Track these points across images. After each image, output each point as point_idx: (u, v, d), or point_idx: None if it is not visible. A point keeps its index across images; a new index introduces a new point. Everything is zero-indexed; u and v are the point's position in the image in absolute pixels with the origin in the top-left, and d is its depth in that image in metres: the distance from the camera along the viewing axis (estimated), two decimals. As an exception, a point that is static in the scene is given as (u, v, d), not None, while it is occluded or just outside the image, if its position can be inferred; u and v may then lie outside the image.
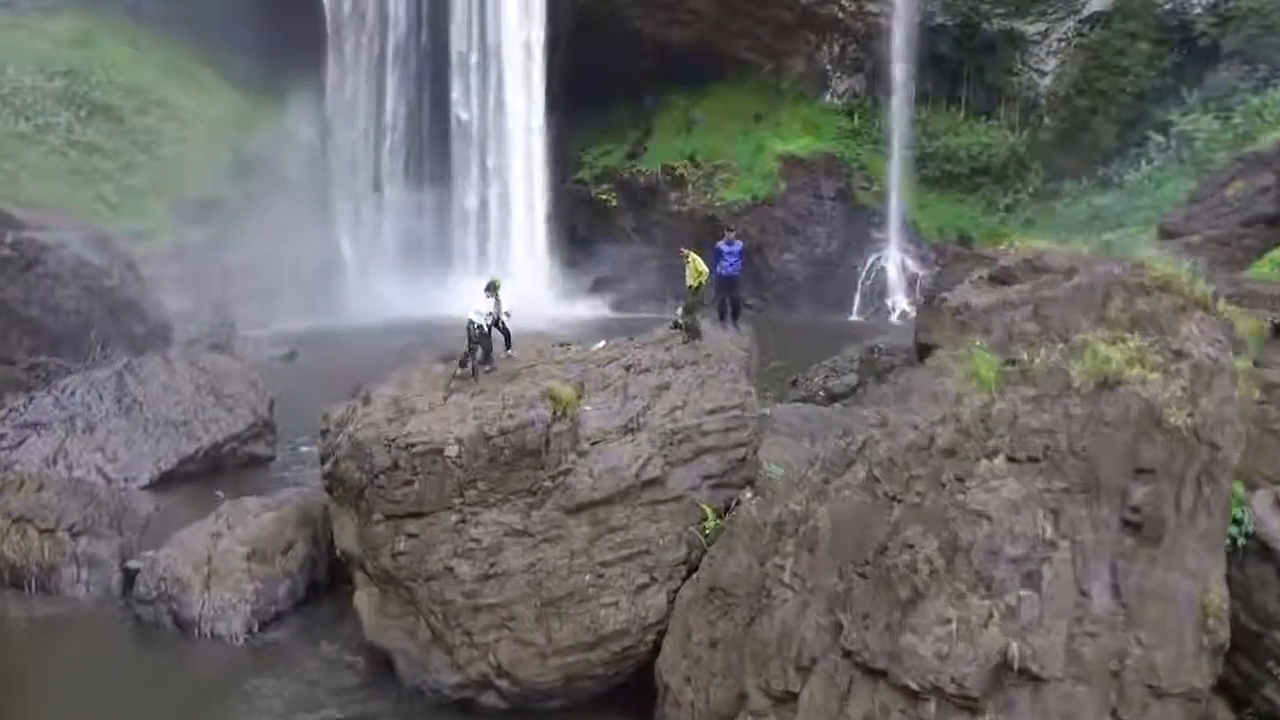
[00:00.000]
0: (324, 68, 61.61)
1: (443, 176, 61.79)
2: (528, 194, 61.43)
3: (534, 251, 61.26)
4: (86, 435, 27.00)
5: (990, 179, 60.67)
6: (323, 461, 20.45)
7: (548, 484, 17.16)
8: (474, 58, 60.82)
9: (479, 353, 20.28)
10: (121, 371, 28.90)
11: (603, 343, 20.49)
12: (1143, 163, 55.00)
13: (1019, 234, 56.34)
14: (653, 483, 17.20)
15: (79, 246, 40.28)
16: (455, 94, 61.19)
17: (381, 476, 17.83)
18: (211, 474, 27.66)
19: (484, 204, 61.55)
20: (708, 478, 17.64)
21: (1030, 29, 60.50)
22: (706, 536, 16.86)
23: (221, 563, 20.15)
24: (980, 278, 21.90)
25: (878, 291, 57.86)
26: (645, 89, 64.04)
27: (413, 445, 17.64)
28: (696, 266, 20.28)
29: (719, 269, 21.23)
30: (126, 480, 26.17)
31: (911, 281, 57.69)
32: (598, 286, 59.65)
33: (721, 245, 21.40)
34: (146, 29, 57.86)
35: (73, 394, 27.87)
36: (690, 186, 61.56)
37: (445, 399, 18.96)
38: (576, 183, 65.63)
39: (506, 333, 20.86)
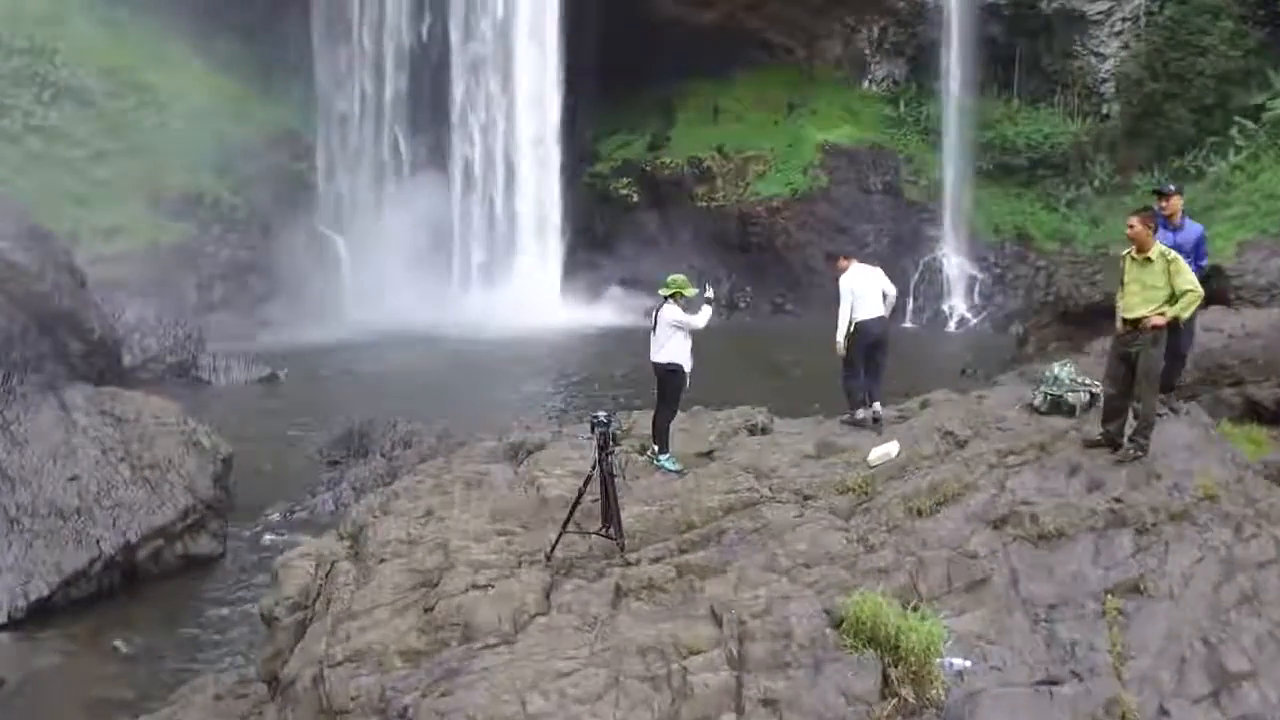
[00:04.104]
0: (315, 51, 49.45)
1: (445, 169, 49.74)
2: (539, 188, 49.17)
3: (545, 251, 49.13)
4: (-84, 538, 14.77)
5: (1051, 172, 48.73)
6: (268, 686, 8.36)
7: None
8: (480, 39, 48.71)
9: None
10: (-12, 428, 16.51)
11: (894, 444, 7.93)
12: (1230, 152, 43.41)
13: (1087, 233, 45.33)
14: None
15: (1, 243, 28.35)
16: (458, 79, 49.29)
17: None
18: (117, 595, 15.38)
19: (491, 200, 49.51)
20: None
21: (1091, 8, 48.70)
22: None
23: None
24: None
25: (933, 295, 45.67)
26: (667, 74, 51.57)
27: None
28: (1181, 272, 7.86)
29: None
30: (-31, 619, 14.04)
31: (970, 285, 45.90)
32: (617, 291, 47.26)
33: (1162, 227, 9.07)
34: (123, 5, 45.66)
35: (-99, 469, 15.51)
36: (720, 180, 49.64)
37: (548, 598, 6.69)
38: (593, 176, 53.17)
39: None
